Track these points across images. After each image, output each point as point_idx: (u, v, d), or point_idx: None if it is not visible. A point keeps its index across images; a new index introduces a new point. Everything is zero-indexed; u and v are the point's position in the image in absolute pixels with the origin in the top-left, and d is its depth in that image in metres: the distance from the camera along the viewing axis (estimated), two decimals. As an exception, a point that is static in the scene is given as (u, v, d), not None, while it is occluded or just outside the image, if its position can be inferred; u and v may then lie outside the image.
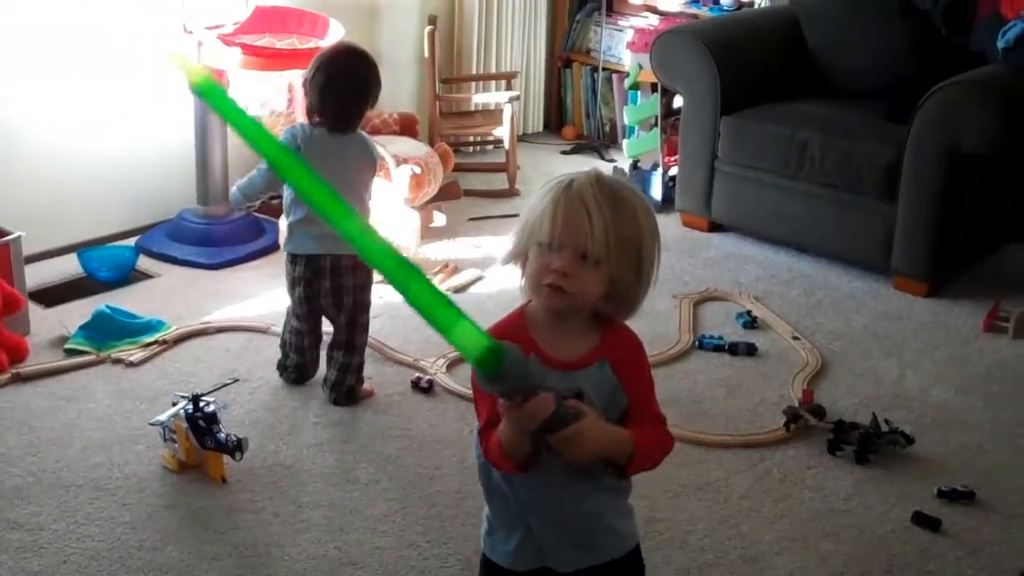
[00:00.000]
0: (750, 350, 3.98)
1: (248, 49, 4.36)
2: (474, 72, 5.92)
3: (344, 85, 3.44)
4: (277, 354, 3.74)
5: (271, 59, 4.40)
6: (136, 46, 4.60)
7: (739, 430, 3.52)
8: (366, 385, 3.65)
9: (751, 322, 4.18)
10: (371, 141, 3.61)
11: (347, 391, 3.58)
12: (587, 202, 1.80)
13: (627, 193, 1.86)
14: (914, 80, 4.56)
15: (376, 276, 4.04)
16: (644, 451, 1.86)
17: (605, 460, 1.84)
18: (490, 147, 6.01)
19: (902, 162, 4.36)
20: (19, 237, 3.88)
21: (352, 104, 3.48)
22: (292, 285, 3.55)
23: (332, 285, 3.48)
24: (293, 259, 3.52)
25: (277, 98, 4.50)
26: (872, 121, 4.62)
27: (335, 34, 4.51)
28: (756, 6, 5.72)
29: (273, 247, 4.61)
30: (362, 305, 3.57)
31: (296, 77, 4.47)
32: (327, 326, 3.63)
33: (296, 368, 3.66)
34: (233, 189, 3.69)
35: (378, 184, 3.73)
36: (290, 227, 3.52)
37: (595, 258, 1.80)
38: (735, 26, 5.21)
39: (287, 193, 3.55)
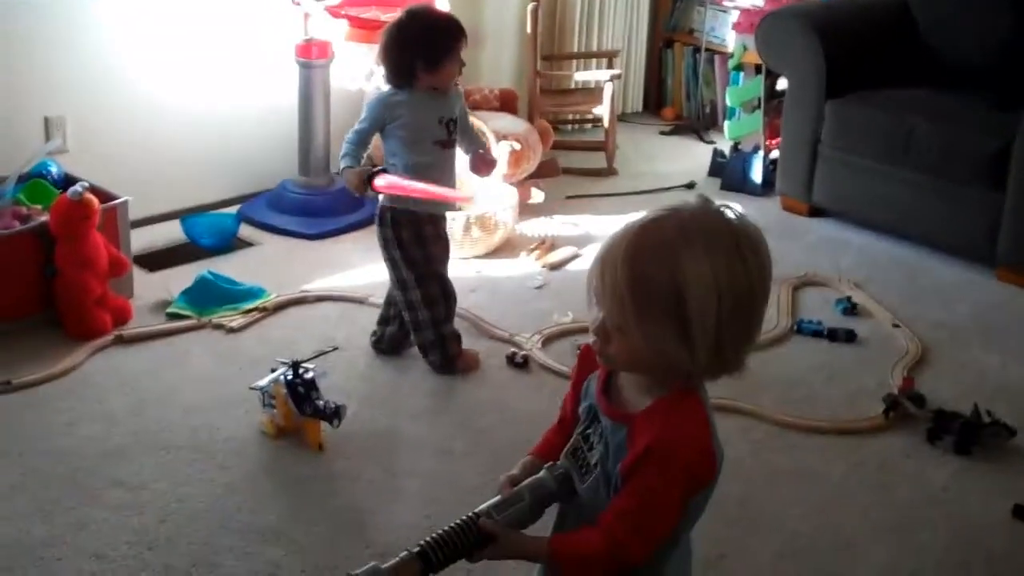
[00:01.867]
0: (849, 336, 3.93)
1: (355, 21, 4.39)
2: (575, 50, 5.90)
3: (383, 45, 3.46)
4: (374, 324, 3.77)
5: (377, 31, 4.38)
6: (243, 17, 4.66)
7: (837, 416, 3.48)
8: (469, 351, 3.68)
9: (850, 308, 4.13)
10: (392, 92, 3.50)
11: (439, 352, 3.59)
12: (606, 261, 1.61)
13: (681, 242, 1.56)
14: (1025, 67, 4.47)
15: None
16: (565, 562, 1.71)
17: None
18: (589, 126, 5.99)
19: (1010, 151, 4.27)
20: (126, 201, 3.95)
21: (385, 56, 3.46)
22: None
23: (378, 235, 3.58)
24: None
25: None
26: (981, 109, 4.53)
27: (440, 7, 4.51)
28: (864, -12, 5.62)
29: (371, 220, 4.62)
30: (387, 258, 3.57)
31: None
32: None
33: (379, 321, 3.72)
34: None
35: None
36: None
37: (615, 325, 1.62)
38: (843, 8, 5.13)
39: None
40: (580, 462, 1.76)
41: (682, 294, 1.55)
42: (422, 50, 3.42)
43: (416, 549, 1.68)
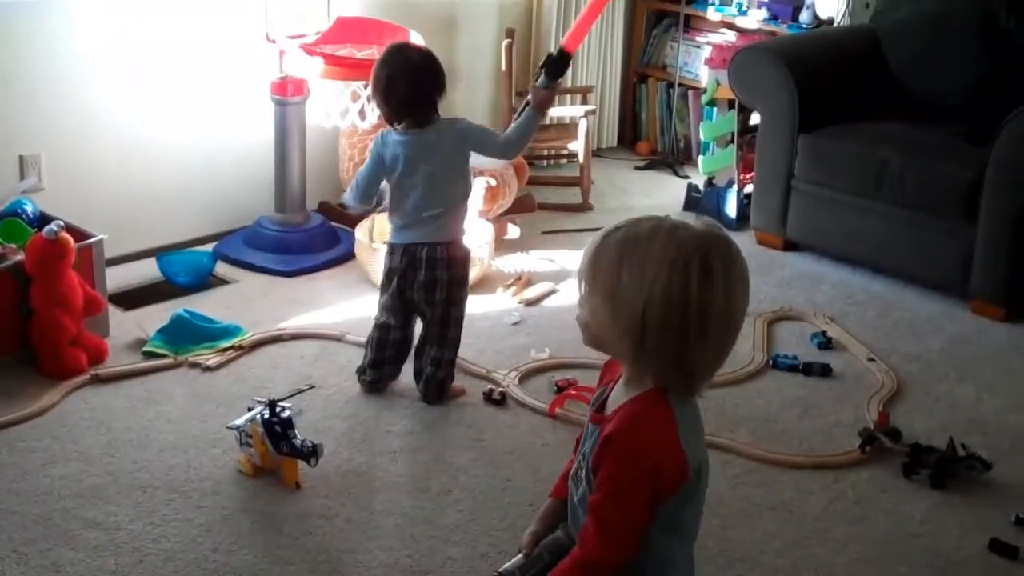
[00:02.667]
0: (825, 371, 3.95)
1: (329, 59, 4.40)
2: (550, 86, 5.92)
3: (403, 80, 3.45)
4: (352, 361, 3.77)
5: (352, 69, 4.43)
6: (218, 55, 4.67)
7: (813, 451, 3.49)
8: (456, 383, 3.70)
9: (826, 342, 4.15)
10: (450, 120, 3.56)
11: (438, 385, 3.62)
12: (598, 239, 1.78)
13: (657, 254, 1.69)
14: (996, 101, 4.51)
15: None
16: None
17: None
18: (564, 161, 6.01)
19: (982, 184, 4.31)
20: (101, 240, 3.94)
21: (417, 95, 3.47)
22: (388, 276, 3.59)
23: (426, 277, 3.52)
24: (392, 249, 3.58)
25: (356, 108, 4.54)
26: (953, 142, 4.57)
27: (415, 42, 4.53)
28: (836, 24, 5.68)
29: (348, 256, 4.64)
30: (455, 299, 3.58)
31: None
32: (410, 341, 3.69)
33: (372, 365, 3.67)
34: (347, 192, 3.67)
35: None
36: (393, 221, 3.58)
37: (584, 293, 1.78)
38: (814, 44, 5.18)
39: (392, 188, 3.56)
40: (576, 479, 1.83)
41: (641, 302, 1.67)
42: (433, 74, 3.52)
43: None
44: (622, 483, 1.72)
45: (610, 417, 1.77)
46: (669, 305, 1.67)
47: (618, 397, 1.81)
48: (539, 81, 3.54)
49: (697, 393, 1.79)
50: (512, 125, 3.62)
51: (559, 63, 3.52)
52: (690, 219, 1.81)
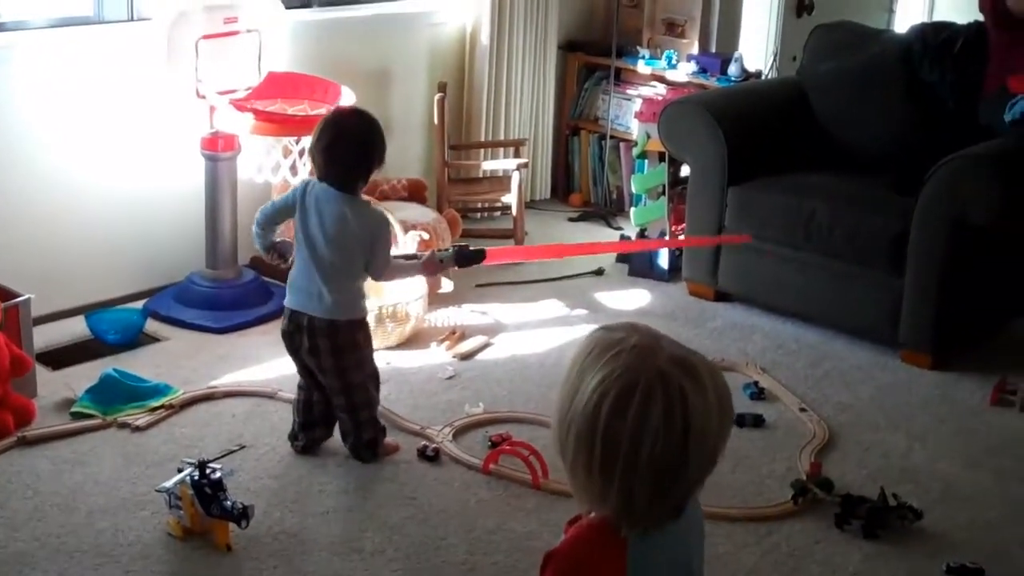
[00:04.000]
0: (757, 421, 3.97)
1: (260, 115, 4.39)
2: (483, 139, 5.95)
3: (346, 146, 3.45)
4: (284, 419, 3.74)
5: (283, 124, 4.43)
6: (148, 111, 4.64)
7: (746, 503, 3.50)
8: (390, 440, 3.68)
9: (758, 393, 4.17)
10: (377, 213, 3.59)
11: (366, 445, 3.60)
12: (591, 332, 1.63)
13: (593, 371, 1.54)
14: (921, 152, 4.59)
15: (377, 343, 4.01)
16: None
17: None
18: (498, 213, 6.02)
19: (909, 234, 4.37)
20: (28, 299, 3.89)
21: (355, 165, 3.48)
22: (282, 338, 3.61)
23: (309, 344, 3.50)
24: (283, 311, 3.59)
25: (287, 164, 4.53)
26: (879, 193, 4.64)
27: (346, 100, 4.54)
28: (763, 77, 5.76)
29: (281, 311, 4.60)
30: (347, 365, 3.51)
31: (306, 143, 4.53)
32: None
33: (302, 428, 3.65)
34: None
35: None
36: (290, 278, 3.57)
37: None
38: (743, 97, 5.25)
39: (297, 243, 3.54)
40: None
41: (568, 398, 1.56)
42: (380, 150, 3.53)
43: None
44: None
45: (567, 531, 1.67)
46: (580, 431, 1.55)
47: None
48: (443, 254, 3.63)
49: (652, 527, 1.61)
50: (399, 259, 3.64)
51: (470, 258, 3.66)
52: (679, 335, 1.67)
